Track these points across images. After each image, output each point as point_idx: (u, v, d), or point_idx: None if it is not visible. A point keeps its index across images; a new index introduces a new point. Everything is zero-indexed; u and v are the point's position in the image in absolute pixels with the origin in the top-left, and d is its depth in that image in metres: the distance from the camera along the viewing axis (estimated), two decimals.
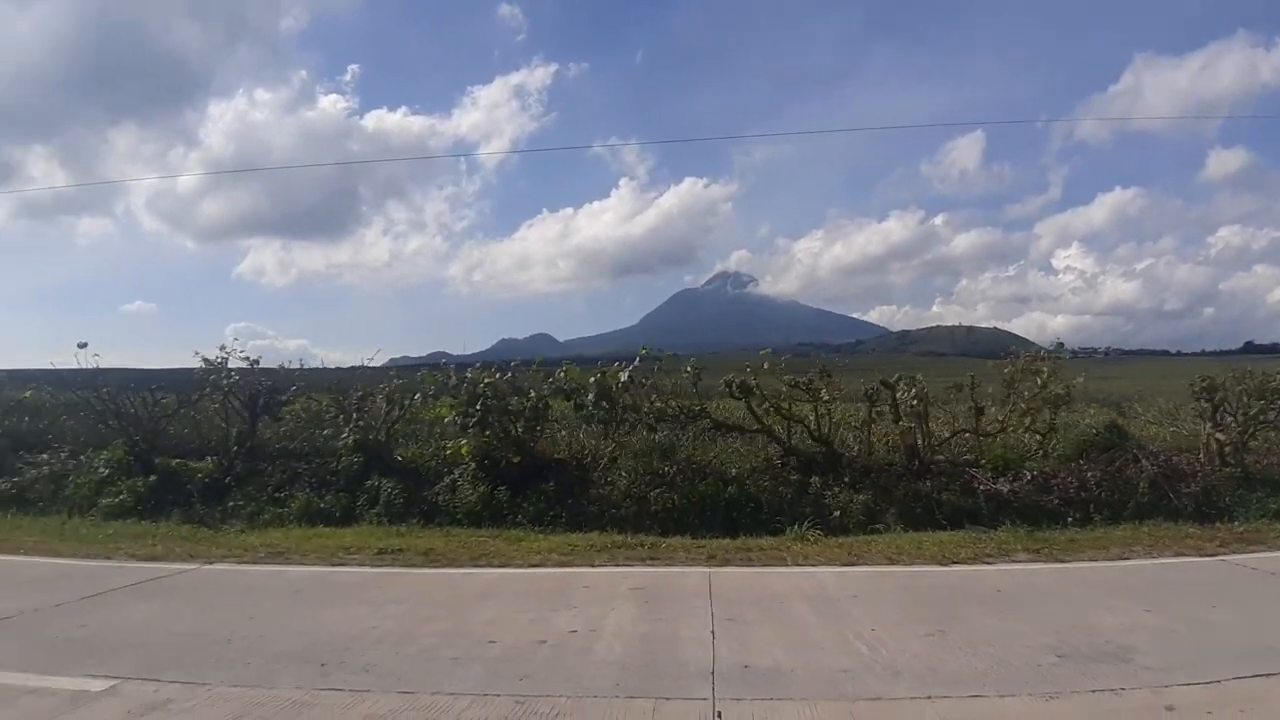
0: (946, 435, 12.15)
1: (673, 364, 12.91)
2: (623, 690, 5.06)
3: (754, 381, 11.87)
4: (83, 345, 12.91)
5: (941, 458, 11.83)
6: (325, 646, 5.94)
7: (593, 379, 12.06)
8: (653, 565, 8.90)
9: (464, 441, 12.24)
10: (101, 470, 12.83)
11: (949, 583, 8.03)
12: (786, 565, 8.80)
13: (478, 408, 12.01)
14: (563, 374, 12.47)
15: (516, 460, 11.95)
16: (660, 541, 9.98)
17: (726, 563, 8.92)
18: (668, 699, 4.91)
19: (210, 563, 9.17)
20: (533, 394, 12.18)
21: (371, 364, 13.75)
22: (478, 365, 12.63)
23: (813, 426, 11.92)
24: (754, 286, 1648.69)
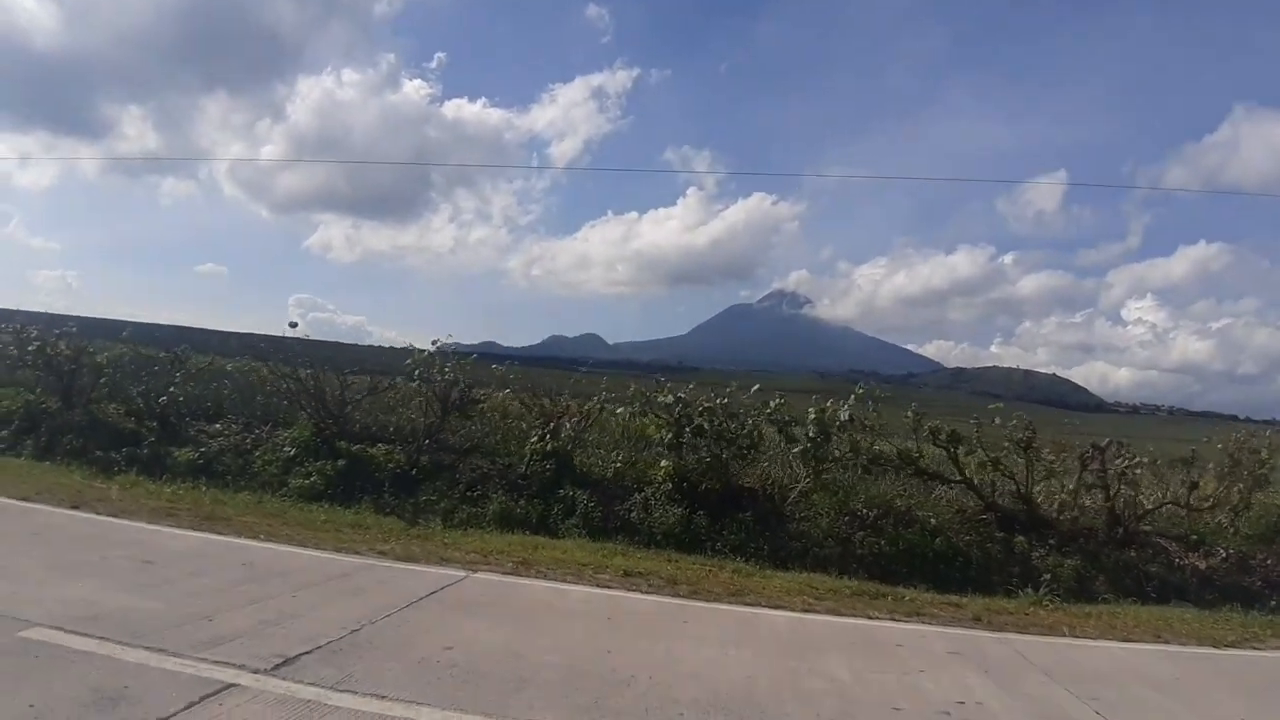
0: (1150, 506, 11.95)
1: (890, 401, 12.80)
2: None
3: (976, 435, 11.76)
4: (293, 325, 12.91)
5: (1148, 528, 11.69)
6: (731, 698, 5.65)
7: (811, 413, 11.87)
8: (924, 623, 8.61)
9: (665, 462, 12.09)
10: (288, 449, 12.65)
11: (1247, 668, 7.93)
12: (1064, 635, 8.55)
13: (688, 430, 11.88)
14: (775, 405, 12.32)
15: (718, 487, 11.80)
16: (900, 593, 9.74)
17: (998, 627, 8.66)
18: None
19: (473, 570, 8.88)
20: (749, 422, 12.03)
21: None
22: (692, 386, 12.53)
23: (1021, 485, 11.78)
24: (809, 308, 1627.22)
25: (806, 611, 8.69)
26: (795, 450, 12.06)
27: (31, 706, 4.41)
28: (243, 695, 4.91)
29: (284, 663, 5.50)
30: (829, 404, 11.94)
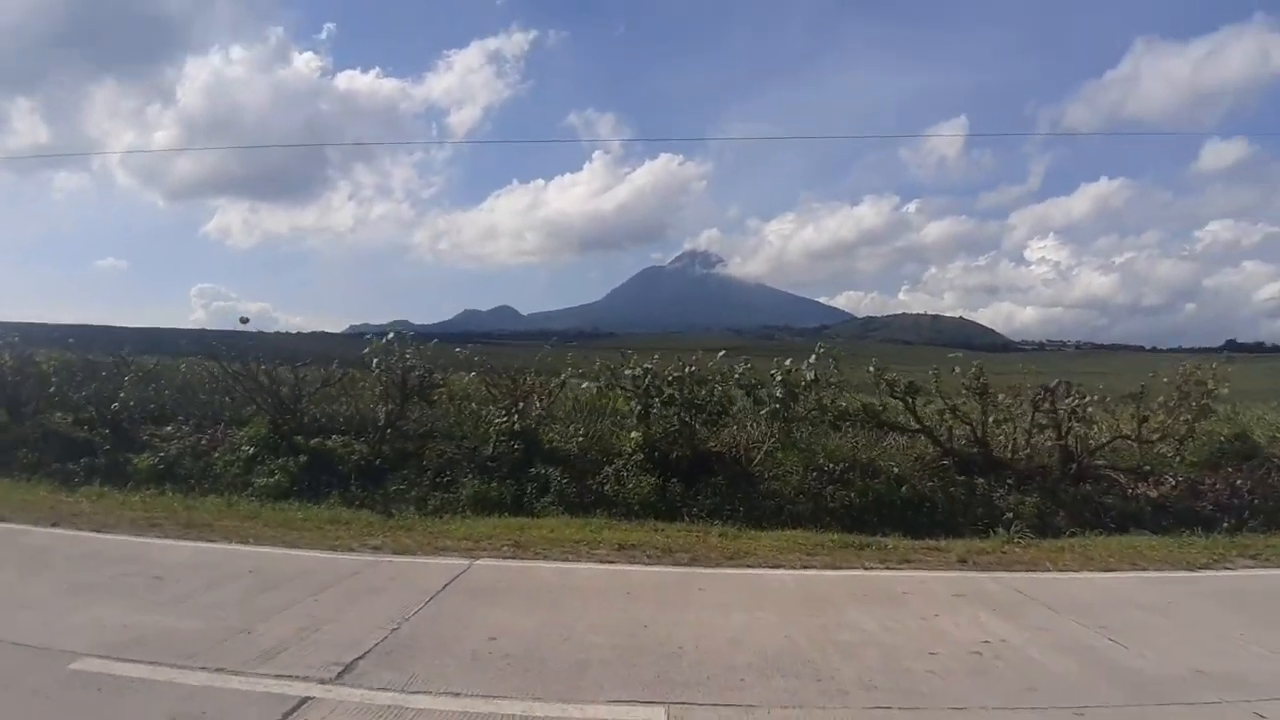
0: (1103, 440, 12.59)
1: (852, 362, 13.15)
2: (1144, 697, 5.33)
3: (935, 385, 12.20)
4: (244, 321, 12.57)
5: (1102, 462, 12.34)
6: (781, 659, 5.85)
7: (777, 375, 12.16)
8: (917, 569, 9.01)
9: (635, 433, 12.22)
10: (247, 448, 12.36)
11: (1226, 586, 8.51)
12: (1048, 571, 9.05)
13: (658, 401, 12.04)
14: (743, 369, 12.58)
15: (688, 453, 12.01)
16: (881, 542, 10.10)
17: (984, 567, 9.12)
18: (1213, 703, 5.27)
19: (474, 558, 8.83)
20: (718, 389, 12.24)
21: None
22: (657, 356, 12.64)
23: (976, 429, 12.31)
24: (722, 267, 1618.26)
25: (805, 568, 8.95)
26: (763, 412, 12.33)
27: None
28: (324, 707, 4.83)
29: (345, 670, 5.42)
30: (789, 363, 12.28)
